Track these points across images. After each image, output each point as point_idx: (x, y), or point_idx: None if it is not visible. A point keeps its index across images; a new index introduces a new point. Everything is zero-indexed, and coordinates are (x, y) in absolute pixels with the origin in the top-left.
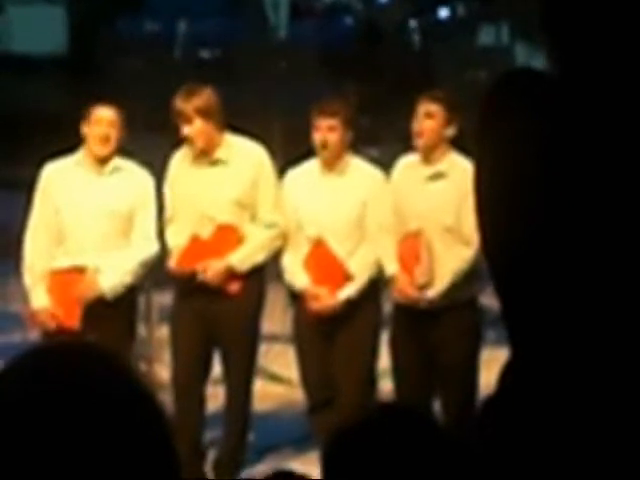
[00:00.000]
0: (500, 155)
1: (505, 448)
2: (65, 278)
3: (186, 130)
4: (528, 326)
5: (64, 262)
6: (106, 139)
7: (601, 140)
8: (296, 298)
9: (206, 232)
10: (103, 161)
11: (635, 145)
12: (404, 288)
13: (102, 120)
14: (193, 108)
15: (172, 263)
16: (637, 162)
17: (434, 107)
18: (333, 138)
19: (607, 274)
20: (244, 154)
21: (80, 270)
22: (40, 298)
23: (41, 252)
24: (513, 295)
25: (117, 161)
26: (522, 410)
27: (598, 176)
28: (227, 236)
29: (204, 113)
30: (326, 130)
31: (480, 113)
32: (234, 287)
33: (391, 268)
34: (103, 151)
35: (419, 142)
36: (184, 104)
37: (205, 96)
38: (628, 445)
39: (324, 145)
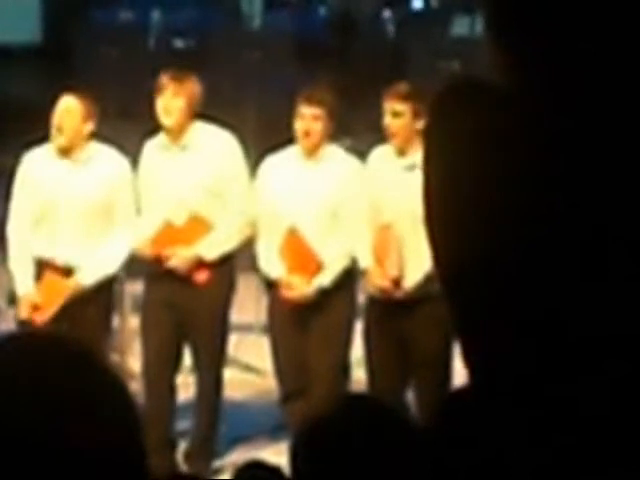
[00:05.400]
0: (450, 164)
1: (469, 444)
2: (51, 277)
3: (165, 104)
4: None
5: (47, 251)
6: (58, 128)
7: (557, 145)
8: (270, 286)
9: (178, 219)
10: (64, 151)
11: (593, 151)
12: (376, 281)
13: (57, 110)
14: (182, 88)
15: (141, 248)
16: (597, 166)
17: (400, 106)
18: (317, 127)
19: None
20: (213, 141)
21: (66, 271)
22: (25, 285)
23: (25, 238)
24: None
25: (91, 149)
26: (486, 407)
27: (552, 180)
28: (199, 225)
29: (190, 96)
30: (310, 119)
31: (425, 125)
32: (202, 276)
33: (364, 261)
34: (58, 141)
35: (392, 140)
36: (174, 82)
37: (194, 81)
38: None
39: (307, 134)
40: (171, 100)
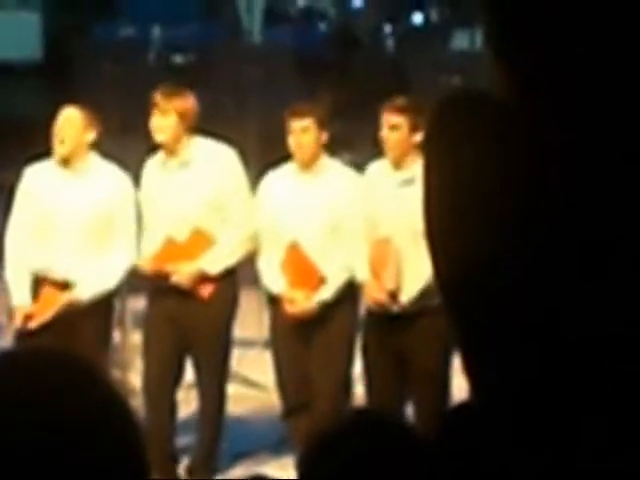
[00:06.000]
0: (450, 175)
1: (473, 458)
2: (48, 291)
3: (156, 121)
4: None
5: (45, 264)
6: (59, 139)
7: (557, 159)
8: (272, 301)
9: (180, 235)
10: (65, 161)
11: (593, 164)
12: (374, 294)
13: (58, 121)
14: (173, 105)
15: (143, 264)
16: (596, 180)
17: (397, 119)
18: (307, 139)
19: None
20: (212, 156)
21: (64, 286)
22: (21, 295)
23: (23, 250)
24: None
25: (93, 162)
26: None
27: (553, 195)
28: (202, 240)
29: (181, 112)
30: (299, 132)
31: (425, 137)
32: (205, 291)
33: (361, 274)
34: (59, 150)
35: (389, 153)
36: (164, 99)
37: (187, 97)
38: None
39: (299, 147)
40: (161, 118)
